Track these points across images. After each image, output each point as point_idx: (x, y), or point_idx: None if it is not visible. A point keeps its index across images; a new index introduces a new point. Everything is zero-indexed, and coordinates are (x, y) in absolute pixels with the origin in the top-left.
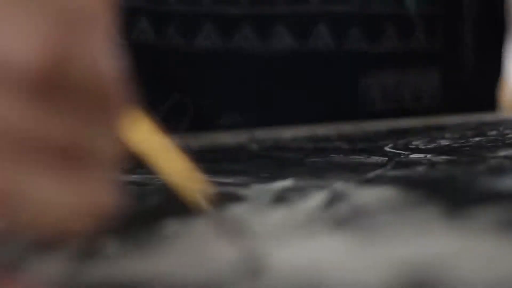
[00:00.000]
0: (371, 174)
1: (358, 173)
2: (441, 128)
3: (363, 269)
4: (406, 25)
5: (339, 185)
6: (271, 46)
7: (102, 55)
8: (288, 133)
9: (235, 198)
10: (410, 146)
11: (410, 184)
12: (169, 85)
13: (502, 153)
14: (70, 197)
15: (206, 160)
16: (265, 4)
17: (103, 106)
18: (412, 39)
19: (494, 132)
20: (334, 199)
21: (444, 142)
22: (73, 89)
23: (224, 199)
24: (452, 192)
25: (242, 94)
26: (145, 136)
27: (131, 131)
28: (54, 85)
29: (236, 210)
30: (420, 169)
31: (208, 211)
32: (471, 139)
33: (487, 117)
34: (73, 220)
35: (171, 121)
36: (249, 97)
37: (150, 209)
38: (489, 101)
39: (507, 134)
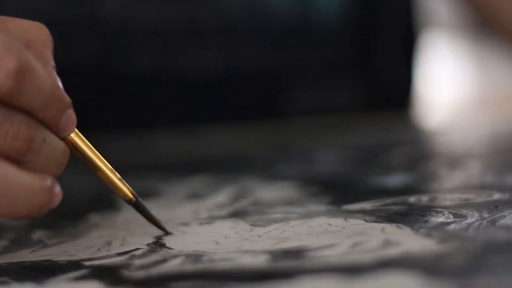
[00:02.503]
0: (274, 170)
1: (264, 168)
2: (349, 128)
3: (245, 250)
4: (319, 35)
5: (244, 181)
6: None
7: (51, 72)
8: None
9: (153, 193)
10: (317, 144)
11: (307, 180)
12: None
13: (395, 153)
14: (28, 180)
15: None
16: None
17: (52, 113)
18: (326, 48)
19: (398, 135)
20: (238, 193)
21: (348, 141)
22: (30, 100)
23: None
24: (341, 187)
25: (173, 102)
26: (80, 140)
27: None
28: (14, 98)
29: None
30: (322, 165)
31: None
32: (372, 139)
33: (397, 119)
34: (31, 200)
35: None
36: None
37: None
38: (402, 103)
39: (405, 137)
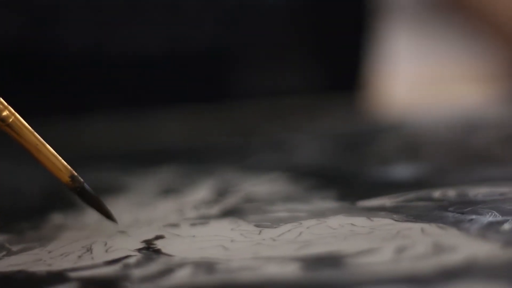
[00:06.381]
0: (253, 159)
1: (239, 158)
2: (311, 111)
3: (265, 256)
4: (268, 15)
5: (222, 173)
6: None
7: None
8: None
9: (119, 188)
10: (285, 130)
11: (297, 171)
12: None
13: (379, 140)
14: None
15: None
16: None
17: None
18: (276, 25)
19: (367, 119)
20: (222, 188)
21: (318, 126)
22: None
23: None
24: (343, 180)
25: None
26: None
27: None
28: None
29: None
30: (305, 154)
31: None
32: (343, 124)
33: (355, 102)
34: None
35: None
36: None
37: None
38: (356, 85)
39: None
